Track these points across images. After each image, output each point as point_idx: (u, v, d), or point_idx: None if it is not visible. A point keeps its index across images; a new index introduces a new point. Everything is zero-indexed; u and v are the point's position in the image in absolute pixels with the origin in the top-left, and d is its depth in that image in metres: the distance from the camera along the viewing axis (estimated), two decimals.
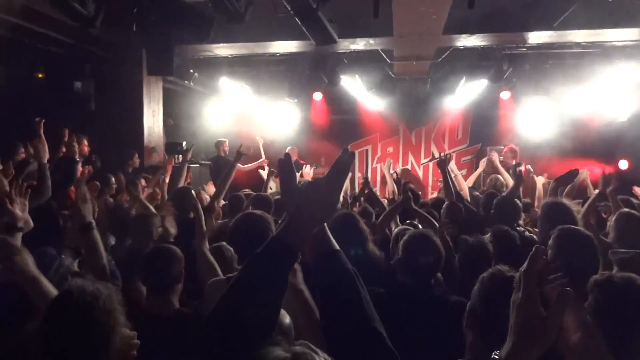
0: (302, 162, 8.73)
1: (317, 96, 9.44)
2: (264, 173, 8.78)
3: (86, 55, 6.58)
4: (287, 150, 8.77)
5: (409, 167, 10.63)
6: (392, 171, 6.26)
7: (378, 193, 6.98)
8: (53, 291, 1.83)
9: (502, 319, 1.69)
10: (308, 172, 7.54)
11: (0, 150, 5.10)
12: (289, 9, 4.15)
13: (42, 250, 2.43)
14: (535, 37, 6.47)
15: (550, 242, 2.43)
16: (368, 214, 4.19)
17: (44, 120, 4.32)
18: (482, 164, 7.08)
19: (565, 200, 3.42)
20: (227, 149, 8.71)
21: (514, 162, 7.32)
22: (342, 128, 10.18)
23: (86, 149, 6.01)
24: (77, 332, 1.47)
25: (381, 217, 3.90)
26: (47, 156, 4.08)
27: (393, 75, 8.46)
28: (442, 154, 5.31)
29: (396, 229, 3.63)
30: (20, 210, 2.28)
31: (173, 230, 3.56)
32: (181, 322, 2.20)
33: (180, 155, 7.18)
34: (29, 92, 6.85)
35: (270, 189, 6.21)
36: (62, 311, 1.52)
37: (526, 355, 0.99)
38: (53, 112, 5.58)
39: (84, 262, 2.53)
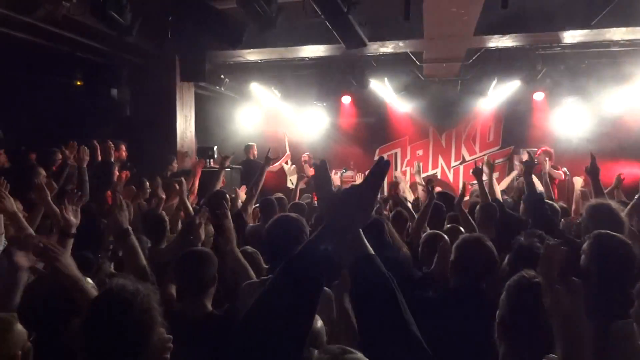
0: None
1: (346, 99, 9.45)
2: (286, 167, 8.82)
3: (122, 63, 6.79)
4: (302, 157, 8.72)
5: (438, 170, 10.49)
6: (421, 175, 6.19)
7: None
8: (95, 293, 1.90)
9: (532, 328, 1.65)
10: (335, 177, 7.52)
11: (41, 155, 5.33)
12: (320, 13, 4.18)
13: (81, 254, 2.51)
14: (571, 37, 6.30)
15: (584, 246, 2.37)
16: (402, 218, 4.14)
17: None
18: (517, 167, 6.91)
19: (612, 203, 3.31)
20: (256, 152, 8.80)
21: (548, 164, 7.14)
22: (371, 131, 10.14)
23: (124, 154, 6.18)
24: (116, 330, 1.52)
25: (415, 222, 3.85)
26: (87, 160, 4.23)
27: (422, 78, 8.38)
28: (476, 165, 5.20)
29: (425, 234, 3.59)
30: (73, 216, 2.40)
31: (203, 235, 3.59)
32: (213, 324, 2.22)
33: (211, 160, 7.34)
34: (68, 99, 7.12)
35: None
36: (102, 309, 1.57)
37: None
38: (91, 118, 5.80)
39: (122, 265, 2.60)
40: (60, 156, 5.31)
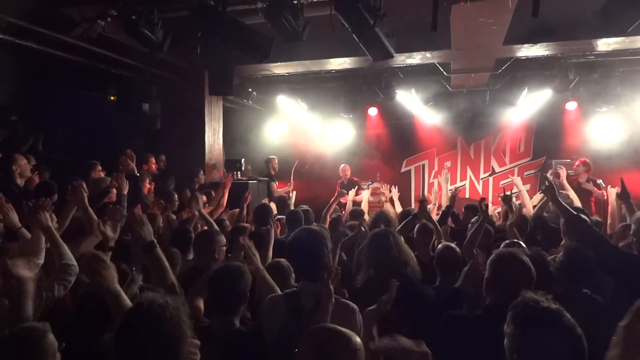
0: (356, 179, 8.65)
1: (373, 111, 9.43)
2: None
3: (153, 78, 6.98)
4: (340, 168, 8.70)
5: (467, 182, 10.30)
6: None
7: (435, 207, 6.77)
8: (130, 305, 1.93)
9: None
10: (365, 189, 7.44)
11: (78, 167, 5.48)
12: (347, 26, 4.18)
13: (116, 266, 2.56)
14: (605, 44, 6.11)
15: None
16: (428, 231, 4.06)
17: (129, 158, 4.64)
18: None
19: None
20: (276, 166, 8.86)
21: (586, 176, 6.92)
22: (398, 143, 10.08)
23: (154, 166, 6.31)
24: (146, 342, 1.56)
25: (466, 242, 3.72)
26: (127, 187, 4.33)
27: (450, 89, 8.29)
28: (505, 192, 5.14)
29: (439, 246, 3.51)
30: (112, 231, 2.45)
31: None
32: (241, 342, 2.20)
33: (239, 172, 7.42)
34: (102, 113, 7.36)
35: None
36: (133, 322, 1.61)
37: None
38: (123, 131, 5.96)
39: (151, 278, 2.62)
40: (99, 168, 5.45)
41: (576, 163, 7.18)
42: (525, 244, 3.87)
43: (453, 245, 3.46)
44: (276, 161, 8.90)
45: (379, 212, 4.73)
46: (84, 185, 3.42)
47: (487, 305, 2.30)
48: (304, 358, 1.57)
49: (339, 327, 1.64)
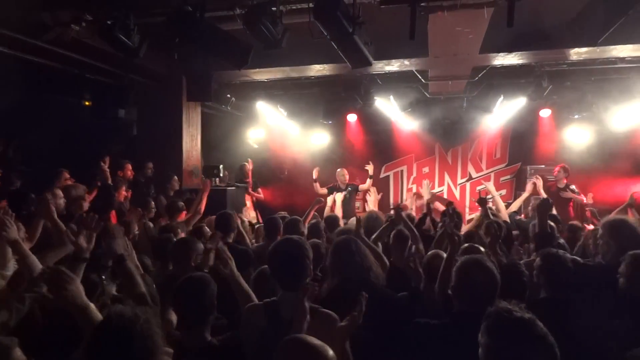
0: (357, 183, 8.52)
1: (352, 117, 9.46)
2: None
3: (130, 83, 6.86)
4: (337, 173, 8.39)
5: (445, 187, 10.43)
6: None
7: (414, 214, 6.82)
8: (100, 318, 1.87)
9: None
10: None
11: (49, 174, 5.35)
12: (325, 33, 4.19)
13: (86, 276, 2.48)
14: (577, 54, 6.28)
15: (621, 269, 2.35)
16: (403, 237, 4.09)
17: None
18: (529, 188, 6.82)
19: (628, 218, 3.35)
20: (247, 169, 8.70)
21: (565, 182, 7.08)
22: (377, 149, 10.13)
23: (130, 173, 6.19)
24: (116, 357, 1.52)
25: (433, 245, 3.77)
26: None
27: (428, 95, 8.39)
28: (480, 194, 5.23)
29: (429, 253, 3.53)
30: (86, 241, 2.37)
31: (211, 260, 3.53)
32: (209, 354, 2.16)
33: (217, 178, 7.34)
34: (76, 118, 7.18)
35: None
36: (102, 338, 1.57)
37: None
38: (98, 137, 5.83)
39: (122, 287, 2.55)
40: (67, 176, 5.33)
41: (556, 169, 7.34)
42: (500, 250, 3.94)
43: (442, 252, 3.47)
44: (247, 166, 8.72)
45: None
46: (49, 195, 3.33)
47: (455, 312, 2.32)
48: None
49: (313, 341, 1.63)
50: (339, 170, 8.41)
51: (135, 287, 2.31)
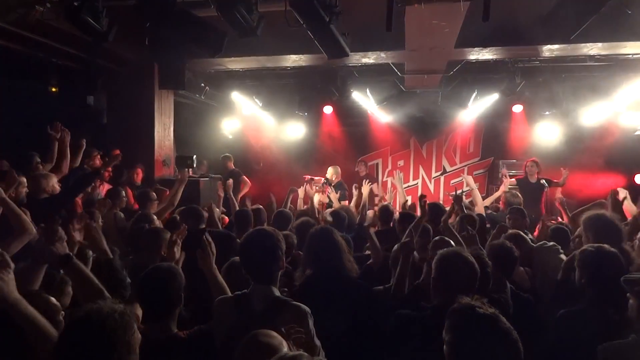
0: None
1: (328, 109, 9.42)
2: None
3: (99, 69, 6.64)
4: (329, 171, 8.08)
5: (419, 180, 10.53)
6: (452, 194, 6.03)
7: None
8: (35, 314, 1.78)
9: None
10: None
11: (16, 161, 5.12)
12: (302, 22, 4.13)
13: (46, 271, 2.35)
14: (549, 50, 6.39)
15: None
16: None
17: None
18: (503, 186, 6.87)
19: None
20: (231, 163, 8.62)
21: (536, 175, 7.17)
22: (353, 141, 10.15)
23: (98, 162, 6.01)
24: (89, 355, 1.46)
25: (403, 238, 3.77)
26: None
27: (404, 89, 8.42)
28: (456, 191, 5.28)
29: (395, 246, 3.54)
30: (80, 235, 2.24)
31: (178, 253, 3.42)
32: (176, 348, 2.09)
33: (190, 169, 7.18)
34: (43, 105, 6.91)
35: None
36: (76, 335, 1.50)
37: None
38: (66, 125, 5.60)
39: (75, 291, 2.40)
40: (37, 160, 5.12)
41: (526, 163, 7.41)
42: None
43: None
44: (231, 158, 8.61)
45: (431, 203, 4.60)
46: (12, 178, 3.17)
47: (434, 305, 2.32)
48: None
49: (271, 339, 1.62)
50: (337, 167, 8.22)
51: (91, 283, 2.18)
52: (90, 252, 2.92)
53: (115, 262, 2.78)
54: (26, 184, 4.18)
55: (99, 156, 6.08)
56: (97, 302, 1.58)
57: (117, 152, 6.41)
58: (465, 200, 5.38)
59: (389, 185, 10.15)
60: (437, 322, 2.17)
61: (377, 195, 7.76)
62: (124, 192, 5.46)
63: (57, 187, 4.41)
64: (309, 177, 7.51)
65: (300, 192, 6.70)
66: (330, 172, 7.95)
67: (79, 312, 1.57)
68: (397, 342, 2.33)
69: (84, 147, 5.43)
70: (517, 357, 1.59)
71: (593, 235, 3.24)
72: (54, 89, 6.91)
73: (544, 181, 7.13)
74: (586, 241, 3.27)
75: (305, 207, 6.33)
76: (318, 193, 6.79)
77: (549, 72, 7.43)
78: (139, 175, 6.61)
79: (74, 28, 4.36)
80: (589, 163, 8.42)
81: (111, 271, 2.68)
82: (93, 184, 5.40)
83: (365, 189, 6.08)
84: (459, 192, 5.18)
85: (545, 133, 9.01)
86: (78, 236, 3.04)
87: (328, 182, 7.40)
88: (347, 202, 7.63)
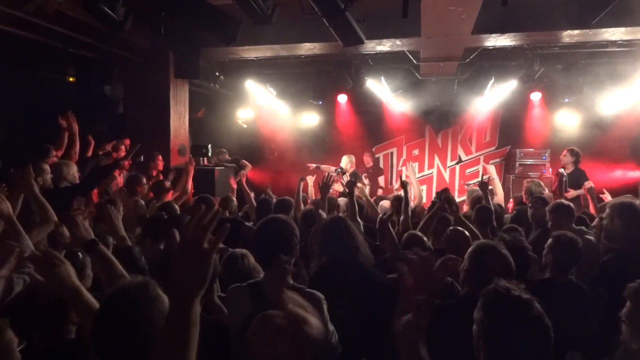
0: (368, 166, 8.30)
1: (342, 98, 9.39)
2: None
3: (115, 59, 6.70)
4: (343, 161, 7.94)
5: (434, 170, 10.47)
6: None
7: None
8: (93, 301, 1.86)
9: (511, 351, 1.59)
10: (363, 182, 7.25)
11: (33, 152, 5.23)
12: (317, 9, 4.12)
13: (69, 252, 2.44)
14: (569, 36, 6.26)
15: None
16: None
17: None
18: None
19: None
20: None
21: (573, 166, 7.00)
22: (367, 130, 10.11)
23: (123, 153, 6.12)
24: (123, 329, 1.50)
25: (419, 228, 3.80)
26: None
27: (419, 77, 8.34)
28: (484, 177, 5.22)
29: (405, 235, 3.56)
30: (85, 233, 2.32)
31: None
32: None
33: (205, 158, 7.26)
34: (60, 95, 7.02)
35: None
36: (110, 310, 1.55)
37: None
38: (83, 115, 5.70)
39: (102, 274, 2.50)
40: (54, 153, 5.23)
41: (563, 153, 7.23)
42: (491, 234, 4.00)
43: (419, 233, 3.48)
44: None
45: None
46: (32, 169, 3.25)
47: (463, 295, 2.33)
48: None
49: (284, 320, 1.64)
50: (351, 156, 8.13)
51: (114, 269, 2.25)
52: (111, 239, 2.99)
53: (134, 249, 2.83)
54: (49, 172, 4.26)
55: (124, 147, 6.18)
56: (120, 283, 1.63)
57: (128, 141, 6.53)
58: (475, 188, 5.33)
59: (403, 175, 10.11)
60: (464, 311, 2.19)
61: (391, 185, 7.78)
62: (144, 179, 5.53)
63: (77, 176, 4.50)
64: (315, 165, 7.52)
65: (310, 180, 6.73)
66: (344, 160, 7.94)
67: (110, 290, 1.62)
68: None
69: (93, 143, 5.51)
70: (547, 343, 1.59)
71: (622, 221, 3.22)
72: (71, 79, 7.01)
73: (562, 170, 7.04)
74: (611, 227, 3.24)
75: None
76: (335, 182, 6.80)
77: (568, 58, 7.28)
78: (160, 164, 6.65)
79: (91, 17, 4.42)
80: (609, 152, 8.28)
81: (130, 258, 2.73)
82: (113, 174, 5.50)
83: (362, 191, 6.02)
84: (485, 177, 5.11)
85: (565, 121, 8.87)
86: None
87: (343, 170, 7.41)
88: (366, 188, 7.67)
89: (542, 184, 5.90)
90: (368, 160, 9.01)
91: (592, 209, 5.10)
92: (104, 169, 4.84)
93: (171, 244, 1.28)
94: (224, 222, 1.30)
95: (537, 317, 1.61)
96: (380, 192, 8.52)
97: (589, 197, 5.31)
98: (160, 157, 6.62)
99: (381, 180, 8.64)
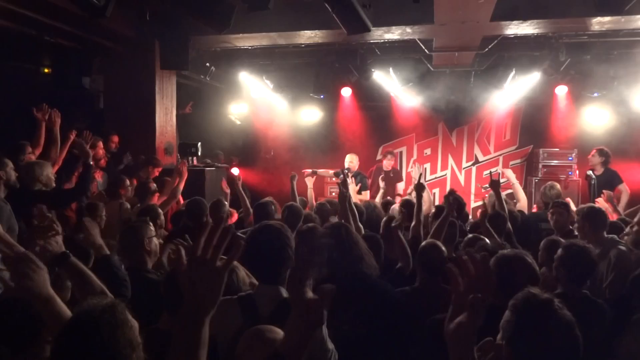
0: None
1: (346, 92, 9.39)
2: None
3: (95, 48, 6.72)
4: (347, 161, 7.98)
5: (448, 171, 10.45)
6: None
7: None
8: (66, 311, 1.86)
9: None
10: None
11: (6, 148, 5.23)
12: None
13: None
14: (599, 23, 6.26)
15: None
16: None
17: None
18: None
19: None
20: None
21: (602, 167, 6.98)
22: (374, 127, 10.11)
23: (101, 152, 6.12)
24: (91, 354, 1.50)
25: (430, 235, 3.81)
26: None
27: (432, 68, 8.35)
28: (491, 174, 5.19)
29: (424, 243, 3.56)
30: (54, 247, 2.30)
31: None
32: None
33: (194, 158, 7.27)
34: (34, 87, 7.03)
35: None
36: (75, 332, 1.54)
37: None
38: (60, 109, 5.71)
39: (75, 290, 2.47)
40: (30, 150, 5.22)
41: (591, 153, 7.22)
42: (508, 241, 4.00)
43: (439, 243, 3.47)
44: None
45: None
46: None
47: (490, 304, 2.35)
48: None
49: (276, 334, 1.67)
50: (354, 156, 8.16)
51: (92, 282, 2.23)
52: (92, 250, 2.98)
53: (112, 258, 2.81)
54: (12, 166, 4.18)
55: (102, 145, 6.18)
56: (84, 303, 1.61)
57: (117, 137, 6.51)
58: (502, 193, 5.30)
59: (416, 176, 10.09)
60: (486, 324, 2.22)
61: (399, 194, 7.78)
62: (128, 181, 5.53)
63: (52, 178, 4.47)
64: (310, 170, 7.48)
65: (309, 182, 6.74)
66: (348, 159, 7.93)
67: (74, 311, 1.62)
68: (435, 348, 2.34)
69: (72, 140, 5.46)
70: (575, 354, 1.65)
71: None
72: (46, 70, 7.03)
73: (590, 172, 7.02)
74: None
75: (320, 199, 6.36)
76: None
77: (598, 48, 7.27)
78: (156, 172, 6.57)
79: (69, 2, 4.42)
80: None
81: (108, 268, 2.72)
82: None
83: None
84: (493, 170, 5.08)
85: (593, 118, 8.85)
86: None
87: (348, 171, 7.41)
88: (367, 192, 7.66)
89: (556, 186, 5.85)
90: (388, 164, 8.73)
91: (614, 216, 5.10)
92: (84, 171, 4.71)
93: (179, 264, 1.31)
94: (238, 237, 1.34)
95: (568, 324, 1.67)
96: (398, 199, 8.40)
97: (609, 206, 5.30)
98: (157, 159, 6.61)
99: (400, 186, 8.52)
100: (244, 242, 2.51)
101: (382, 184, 7.29)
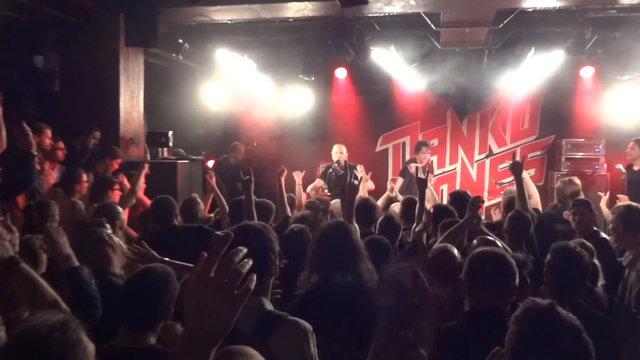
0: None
1: (341, 73, 9.41)
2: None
3: (50, 22, 6.69)
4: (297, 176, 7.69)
5: (458, 165, 10.51)
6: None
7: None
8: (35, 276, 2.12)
9: None
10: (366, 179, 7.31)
11: None
12: None
13: None
14: None
15: None
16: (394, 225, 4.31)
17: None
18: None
19: None
20: (239, 156, 8.87)
21: None
22: (373, 114, 10.14)
23: (48, 140, 6.10)
24: None
25: (441, 239, 3.88)
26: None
27: (439, 46, 8.39)
28: (515, 156, 5.20)
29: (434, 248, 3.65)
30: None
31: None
32: None
33: (165, 149, 7.28)
34: None
35: None
36: (15, 353, 1.56)
37: None
38: (8, 92, 5.68)
39: (23, 301, 2.49)
40: None
41: (629, 146, 7.29)
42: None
43: (452, 247, 3.51)
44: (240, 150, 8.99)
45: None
46: None
47: (467, 311, 2.44)
48: None
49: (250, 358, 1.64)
50: (341, 146, 8.12)
51: (43, 291, 2.25)
52: (42, 252, 3.00)
53: (82, 271, 2.78)
54: None
55: (49, 133, 6.15)
56: (32, 319, 1.64)
57: (99, 133, 6.50)
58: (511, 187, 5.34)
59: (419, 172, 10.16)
60: (472, 331, 2.28)
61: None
62: (84, 175, 5.53)
63: None
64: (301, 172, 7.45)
65: (297, 177, 6.79)
66: (336, 150, 7.94)
67: (21, 326, 1.63)
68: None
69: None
70: (587, 357, 1.73)
71: None
72: None
73: (620, 166, 7.11)
74: None
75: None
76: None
77: (628, 24, 7.35)
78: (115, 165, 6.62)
79: None
80: None
81: (77, 282, 2.69)
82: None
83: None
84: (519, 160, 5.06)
85: (623, 104, 8.94)
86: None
87: (338, 164, 7.46)
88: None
89: (576, 182, 5.89)
90: (423, 158, 8.56)
91: None
92: (24, 163, 4.69)
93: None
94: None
95: (575, 328, 1.77)
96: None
97: None
98: (116, 150, 6.63)
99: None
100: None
101: (396, 184, 7.42)
